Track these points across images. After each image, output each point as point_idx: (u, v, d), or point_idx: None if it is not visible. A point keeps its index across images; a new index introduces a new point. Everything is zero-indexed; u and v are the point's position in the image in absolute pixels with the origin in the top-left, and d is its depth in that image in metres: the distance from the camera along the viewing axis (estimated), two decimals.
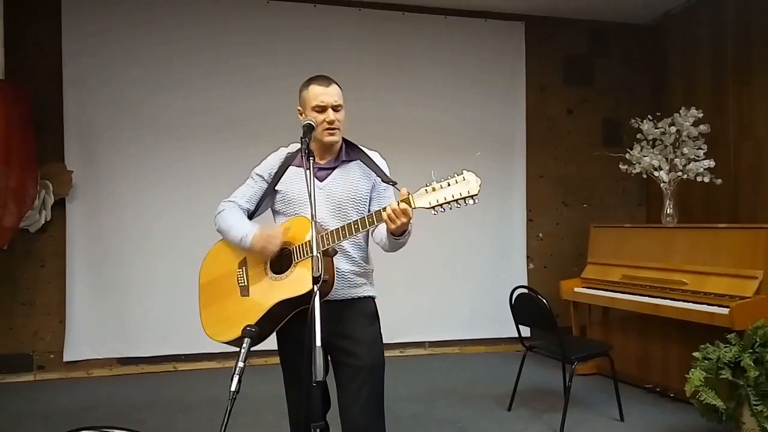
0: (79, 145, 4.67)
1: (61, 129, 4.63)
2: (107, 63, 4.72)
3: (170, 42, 4.83)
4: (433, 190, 1.83)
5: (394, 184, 2.04)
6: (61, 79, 4.63)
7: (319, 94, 2.03)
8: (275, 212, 2.18)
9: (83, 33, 4.67)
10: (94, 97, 4.69)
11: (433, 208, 1.83)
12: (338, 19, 5.12)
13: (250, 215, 2.18)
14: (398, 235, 1.92)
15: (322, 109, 2.03)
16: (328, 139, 2.04)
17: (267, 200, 2.16)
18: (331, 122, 2.02)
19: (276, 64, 4.90)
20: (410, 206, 1.84)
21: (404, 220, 1.84)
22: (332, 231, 1.92)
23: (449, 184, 1.81)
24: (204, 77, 4.88)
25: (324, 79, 2.07)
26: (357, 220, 1.91)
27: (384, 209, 1.86)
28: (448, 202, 1.81)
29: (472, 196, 1.79)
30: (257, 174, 2.17)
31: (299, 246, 1.97)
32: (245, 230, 2.05)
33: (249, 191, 2.17)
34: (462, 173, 1.81)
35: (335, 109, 2.04)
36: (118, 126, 4.74)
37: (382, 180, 2.08)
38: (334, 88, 2.06)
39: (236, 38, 4.94)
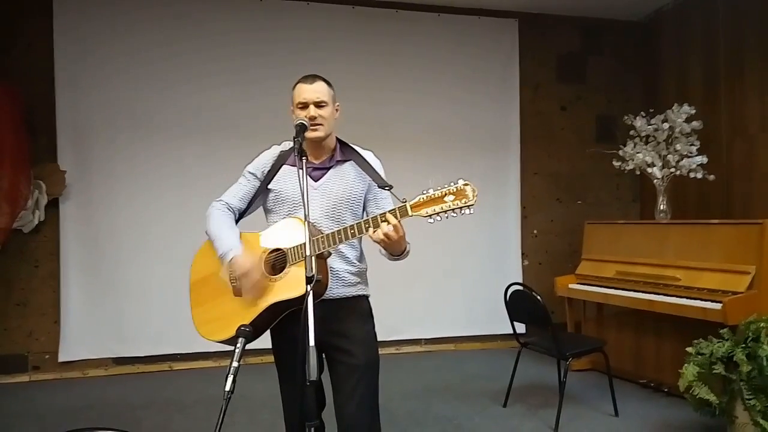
0: (72, 145, 4.66)
1: (53, 129, 4.62)
2: (100, 63, 4.70)
3: (163, 42, 4.81)
4: (430, 198, 1.84)
5: (390, 188, 2.04)
6: (53, 79, 4.61)
7: (302, 91, 2.04)
8: (267, 211, 2.16)
9: (75, 33, 4.65)
10: (87, 97, 4.68)
11: (430, 216, 1.84)
12: (331, 16, 5.12)
13: (242, 214, 2.17)
14: (397, 255, 1.97)
15: (304, 106, 2.03)
16: (310, 134, 2.01)
17: (259, 199, 2.15)
18: (312, 118, 2.01)
19: (269, 64, 4.90)
20: (407, 215, 1.85)
21: (397, 236, 1.86)
22: (328, 235, 1.92)
23: (446, 194, 1.82)
24: (197, 77, 4.86)
25: (310, 77, 2.07)
26: (353, 225, 1.90)
27: (383, 217, 1.86)
28: (445, 212, 1.82)
29: (468, 206, 1.81)
30: (249, 172, 2.16)
31: (294, 247, 1.97)
32: (226, 247, 2.01)
33: (241, 190, 2.15)
34: (458, 182, 1.83)
35: (318, 105, 2.03)
36: (111, 126, 4.73)
37: (378, 185, 2.08)
38: (317, 85, 2.05)
39: (229, 38, 4.92)
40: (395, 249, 1.94)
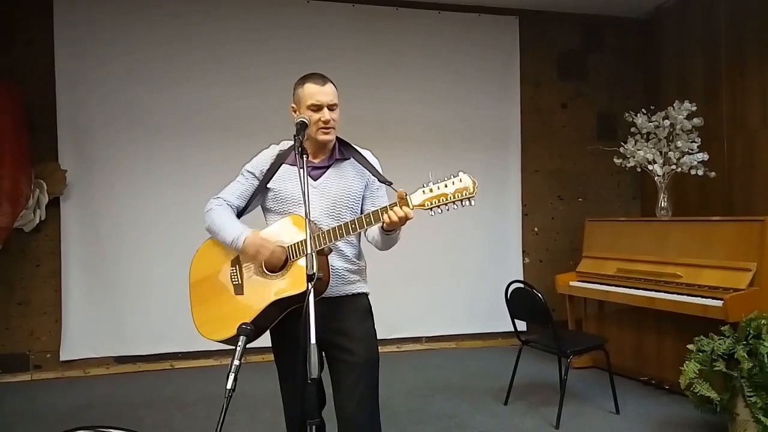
0: (72, 144, 4.66)
1: (54, 128, 4.62)
2: (100, 62, 4.70)
3: (163, 41, 4.81)
4: (431, 191, 1.84)
5: (390, 184, 2.05)
6: (54, 78, 4.61)
7: (315, 92, 2.02)
8: (266, 210, 2.16)
9: (75, 32, 4.65)
10: (88, 96, 4.68)
11: (431, 209, 1.84)
12: (331, 15, 5.11)
13: (240, 213, 2.17)
14: (390, 231, 1.94)
15: (317, 108, 2.01)
16: (323, 138, 2.03)
17: (258, 198, 2.15)
18: (326, 122, 2.01)
19: (270, 62, 4.89)
20: (409, 207, 1.85)
21: (404, 222, 1.87)
22: (328, 231, 1.92)
23: (446, 186, 1.82)
24: (197, 76, 4.86)
25: (320, 78, 2.06)
26: (354, 220, 1.91)
27: (384, 210, 1.86)
28: (446, 204, 1.82)
29: (468, 198, 1.81)
30: (248, 171, 2.15)
31: (293, 245, 1.97)
32: (236, 232, 2.03)
33: (239, 188, 2.15)
34: (459, 174, 1.82)
35: (331, 108, 2.03)
36: (111, 125, 4.73)
37: (378, 179, 2.08)
38: (329, 87, 2.05)
39: (229, 36, 4.92)
40: (393, 239, 1.99)
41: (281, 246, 1.99)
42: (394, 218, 1.84)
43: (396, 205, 1.85)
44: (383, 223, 1.87)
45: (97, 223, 4.72)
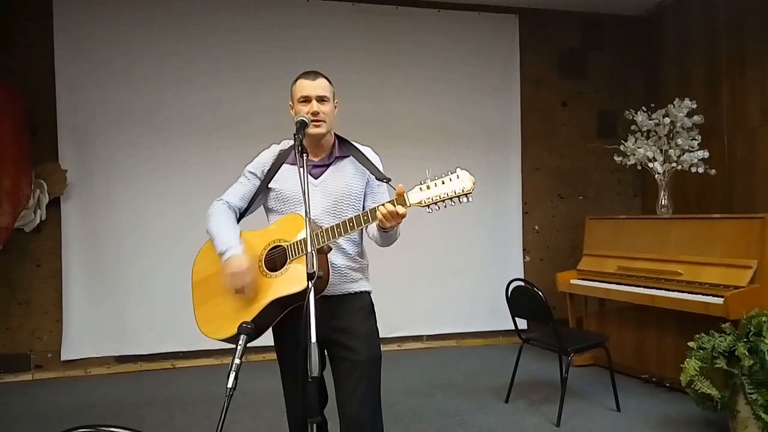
0: (73, 144, 4.66)
1: (54, 128, 4.62)
2: (100, 63, 4.70)
3: (163, 42, 4.81)
4: (428, 188, 1.84)
5: (388, 181, 2.05)
6: (54, 79, 4.61)
7: (305, 86, 2.04)
8: (268, 210, 2.17)
9: (75, 33, 4.65)
10: (88, 96, 4.68)
11: (428, 206, 1.84)
12: (331, 14, 5.11)
13: (243, 213, 2.18)
14: (387, 229, 1.93)
15: (306, 100, 2.03)
16: (313, 131, 2.02)
17: (260, 198, 2.16)
18: (315, 113, 2.01)
19: (269, 62, 4.88)
20: (405, 205, 1.85)
21: (399, 220, 1.86)
22: (326, 229, 1.92)
23: (444, 182, 1.82)
24: (197, 76, 4.86)
25: (312, 73, 2.08)
26: (351, 218, 1.91)
27: (378, 208, 1.86)
28: (443, 200, 1.82)
29: (466, 194, 1.81)
30: (250, 172, 2.17)
31: (293, 243, 1.97)
32: (225, 245, 2.01)
33: (242, 189, 2.16)
34: (456, 171, 1.82)
35: (320, 100, 2.03)
36: (112, 125, 4.73)
37: (375, 177, 2.09)
38: (320, 81, 2.06)
39: (229, 37, 4.91)
40: (391, 236, 1.98)
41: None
42: (384, 212, 1.84)
43: (387, 203, 1.86)
44: (381, 222, 1.87)
45: (98, 223, 4.72)
